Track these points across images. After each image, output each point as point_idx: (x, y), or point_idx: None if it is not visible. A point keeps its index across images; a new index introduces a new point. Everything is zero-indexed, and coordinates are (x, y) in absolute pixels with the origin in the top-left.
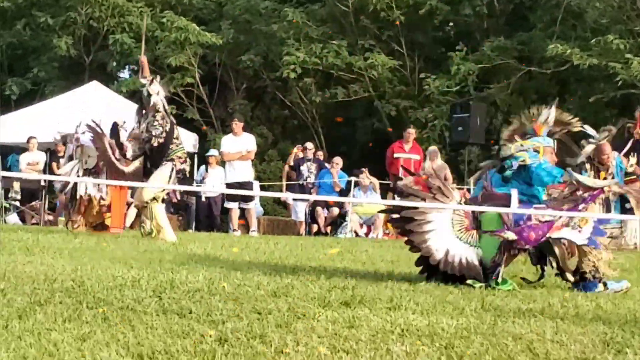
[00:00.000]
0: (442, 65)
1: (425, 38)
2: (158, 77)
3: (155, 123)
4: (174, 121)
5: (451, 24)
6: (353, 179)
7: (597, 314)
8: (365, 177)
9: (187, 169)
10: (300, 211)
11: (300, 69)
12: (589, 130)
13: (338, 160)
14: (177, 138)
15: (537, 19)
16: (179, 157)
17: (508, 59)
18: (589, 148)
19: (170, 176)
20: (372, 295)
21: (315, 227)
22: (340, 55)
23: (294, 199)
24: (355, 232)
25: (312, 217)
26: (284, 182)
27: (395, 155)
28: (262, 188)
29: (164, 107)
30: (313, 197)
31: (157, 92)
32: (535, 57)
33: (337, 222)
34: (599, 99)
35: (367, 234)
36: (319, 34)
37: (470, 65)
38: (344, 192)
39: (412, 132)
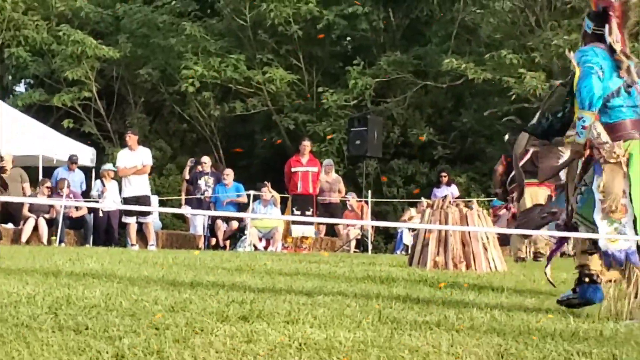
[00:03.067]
0: (339, 80)
1: (323, 52)
2: None
3: None
4: None
5: (348, 38)
6: (252, 192)
7: (492, 326)
8: (267, 192)
9: None
10: (199, 225)
11: (199, 83)
12: None
13: (228, 172)
14: None
15: (432, 34)
16: None
17: (404, 73)
18: None
19: None
20: (271, 310)
21: (214, 241)
22: (238, 69)
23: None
24: (254, 246)
25: (211, 230)
26: (183, 197)
27: (293, 170)
28: (161, 202)
29: None
30: (212, 213)
31: None
32: (431, 71)
33: (236, 236)
34: (493, 113)
35: (266, 248)
36: (217, 47)
37: (367, 79)
38: (244, 206)
39: (307, 145)
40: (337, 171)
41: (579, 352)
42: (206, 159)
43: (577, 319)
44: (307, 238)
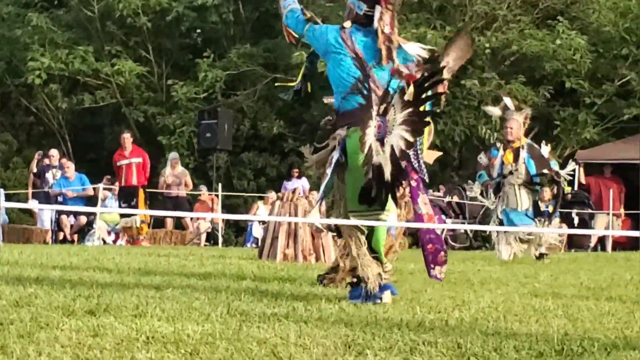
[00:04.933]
0: (189, 72)
1: (172, 44)
2: None
3: None
4: None
5: (198, 30)
6: (101, 185)
7: (340, 317)
8: None
9: None
10: (46, 219)
11: (46, 75)
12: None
13: (69, 164)
14: None
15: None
16: None
17: (254, 66)
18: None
19: None
20: (118, 303)
21: (62, 235)
22: (86, 61)
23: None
24: (103, 240)
25: (58, 224)
26: (30, 190)
27: (118, 164)
28: (7, 196)
29: None
30: (61, 208)
31: None
32: (281, 64)
33: (84, 230)
34: None
35: (115, 241)
36: (64, 39)
37: (217, 72)
38: (91, 198)
39: (127, 137)
40: (187, 164)
41: (424, 341)
42: (54, 152)
43: (423, 309)
44: (142, 229)
